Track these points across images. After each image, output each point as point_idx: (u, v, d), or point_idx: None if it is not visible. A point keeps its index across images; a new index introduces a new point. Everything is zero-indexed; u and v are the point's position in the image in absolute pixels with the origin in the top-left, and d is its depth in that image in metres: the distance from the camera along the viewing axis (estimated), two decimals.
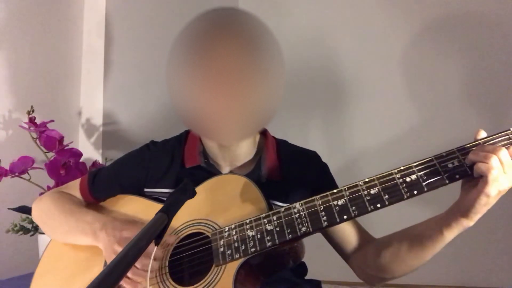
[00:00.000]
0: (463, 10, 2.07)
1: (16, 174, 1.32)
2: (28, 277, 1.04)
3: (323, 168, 1.10)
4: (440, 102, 2.10)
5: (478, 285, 1.87)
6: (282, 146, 1.10)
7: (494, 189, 0.71)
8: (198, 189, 0.96)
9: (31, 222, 1.33)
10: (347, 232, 1.00)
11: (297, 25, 2.41)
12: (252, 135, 1.05)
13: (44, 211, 1.08)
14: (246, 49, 0.84)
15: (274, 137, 1.12)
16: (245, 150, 1.05)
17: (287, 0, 2.49)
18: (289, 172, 1.04)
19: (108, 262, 0.90)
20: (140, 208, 1.03)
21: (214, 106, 0.85)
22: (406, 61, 2.19)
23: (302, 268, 1.08)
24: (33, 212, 1.11)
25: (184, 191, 0.81)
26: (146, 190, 1.07)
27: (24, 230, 1.32)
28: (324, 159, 1.12)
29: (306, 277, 1.08)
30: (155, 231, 0.69)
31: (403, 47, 2.19)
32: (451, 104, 2.07)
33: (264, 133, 1.11)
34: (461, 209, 0.76)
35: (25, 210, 1.32)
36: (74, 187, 1.12)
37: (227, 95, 0.83)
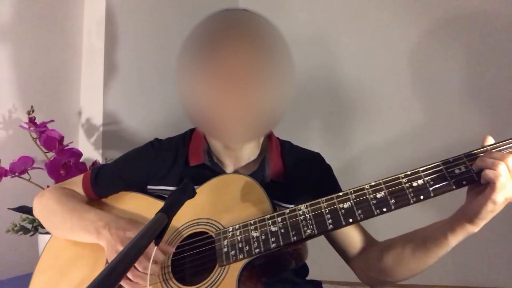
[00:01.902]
0: (466, 11, 2.07)
1: (16, 174, 1.32)
2: (28, 277, 1.04)
3: (327, 169, 1.10)
4: (443, 103, 2.09)
5: (478, 285, 1.87)
6: (286, 147, 1.11)
7: (501, 196, 0.71)
8: (202, 188, 0.96)
9: (31, 222, 1.32)
10: (350, 234, 1.00)
11: (298, 25, 2.40)
12: (259, 137, 1.06)
13: (46, 207, 1.07)
14: (257, 51, 0.84)
15: (278, 138, 1.12)
16: (249, 150, 1.06)
17: (288, 0, 2.49)
18: (292, 173, 1.05)
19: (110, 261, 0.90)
20: (143, 206, 1.03)
21: (222, 107, 0.85)
22: (408, 62, 2.18)
23: (304, 269, 1.08)
24: (35, 207, 1.11)
25: (184, 191, 0.81)
26: (149, 187, 1.07)
27: (24, 230, 1.32)
28: (325, 160, 1.12)
29: (307, 278, 1.08)
30: (155, 231, 0.68)
31: (405, 48, 2.19)
32: (454, 105, 2.06)
33: (268, 134, 1.11)
34: (467, 214, 0.76)
35: (25, 210, 1.32)
36: (76, 183, 1.11)
37: (235, 97, 0.84)
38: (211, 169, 1.04)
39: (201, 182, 0.97)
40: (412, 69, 2.17)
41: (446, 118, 2.07)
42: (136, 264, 0.84)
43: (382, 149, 2.17)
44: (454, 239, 0.80)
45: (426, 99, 2.14)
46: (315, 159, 1.11)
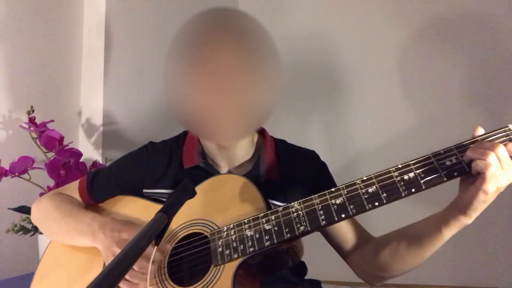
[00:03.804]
0: (461, 9, 2.07)
1: (16, 174, 1.32)
2: (28, 277, 1.04)
3: (322, 167, 1.10)
4: (439, 101, 2.10)
5: (478, 285, 1.86)
6: (281, 145, 1.10)
7: (492, 186, 0.70)
8: (197, 189, 0.95)
9: (31, 222, 1.33)
10: (345, 230, 1.00)
11: (297, 24, 2.40)
12: (249, 134, 1.05)
13: (43, 213, 1.08)
14: (243, 49, 0.84)
15: (272, 137, 1.12)
16: (243, 150, 1.05)
17: (287, 0, 2.49)
18: (287, 171, 1.04)
19: (107, 263, 0.90)
20: (139, 209, 1.03)
21: (210, 105, 0.85)
22: (406, 60, 2.19)
23: (302, 268, 1.08)
24: (32, 213, 1.12)
25: (184, 191, 0.80)
26: (145, 191, 1.06)
27: (24, 230, 1.32)
28: (323, 158, 1.12)
29: (306, 277, 1.08)
30: (155, 231, 0.68)
31: (402, 46, 2.19)
32: (450, 102, 2.07)
33: (262, 133, 1.11)
34: (460, 206, 0.76)
35: (25, 210, 1.33)
36: (73, 188, 1.11)
37: (223, 94, 0.84)
38: (206, 170, 1.03)
39: (195, 184, 0.96)
40: (410, 68, 2.18)
41: (445, 117, 2.07)
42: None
43: (380, 148, 2.17)
44: (448, 232, 0.80)
45: (425, 98, 2.14)
46: (310, 156, 1.10)
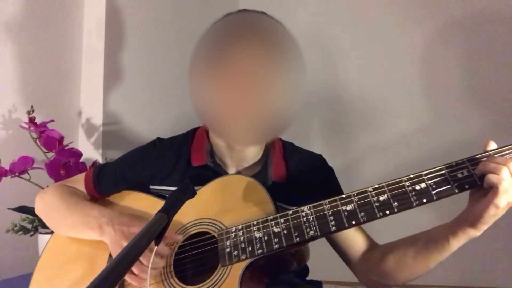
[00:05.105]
0: (467, 13, 2.06)
1: (16, 174, 1.31)
2: (28, 277, 1.04)
3: (329, 172, 1.10)
4: (443, 106, 2.09)
5: (478, 285, 1.87)
6: (289, 148, 1.11)
7: (504, 200, 0.71)
8: (205, 188, 0.97)
9: (31, 222, 1.32)
10: (351, 237, 1.01)
11: (299, 26, 2.38)
12: (265, 141, 1.06)
13: (48, 204, 1.07)
14: (269, 55, 0.85)
15: (281, 139, 1.12)
16: (253, 152, 1.05)
17: (289, 1, 2.49)
18: (295, 175, 1.05)
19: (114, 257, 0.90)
20: (146, 205, 1.03)
21: (232, 107, 0.86)
22: (409, 64, 2.18)
23: (304, 269, 1.08)
24: (37, 204, 1.10)
25: (184, 191, 0.81)
26: (151, 187, 1.06)
27: (24, 230, 1.32)
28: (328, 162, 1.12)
29: (307, 278, 1.08)
30: (155, 231, 0.68)
31: (406, 51, 2.18)
32: (454, 107, 2.06)
33: None
34: (469, 218, 0.77)
35: (25, 210, 1.32)
36: (79, 181, 1.11)
37: (245, 98, 0.85)
38: (214, 170, 1.03)
39: (203, 183, 0.97)
40: (413, 72, 2.18)
41: (447, 121, 2.07)
42: (141, 258, 0.84)
43: (382, 151, 2.17)
44: (456, 243, 0.80)
45: (427, 101, 2.14)
46: (318, 160, 1.11)
